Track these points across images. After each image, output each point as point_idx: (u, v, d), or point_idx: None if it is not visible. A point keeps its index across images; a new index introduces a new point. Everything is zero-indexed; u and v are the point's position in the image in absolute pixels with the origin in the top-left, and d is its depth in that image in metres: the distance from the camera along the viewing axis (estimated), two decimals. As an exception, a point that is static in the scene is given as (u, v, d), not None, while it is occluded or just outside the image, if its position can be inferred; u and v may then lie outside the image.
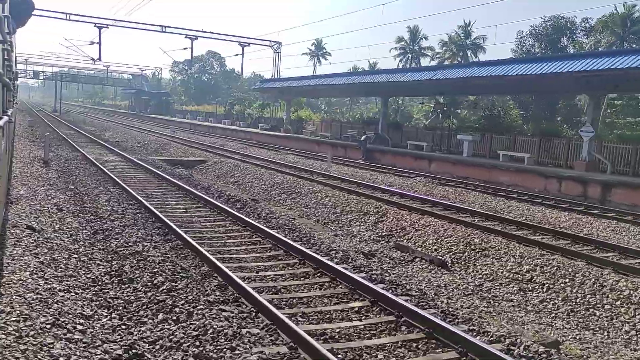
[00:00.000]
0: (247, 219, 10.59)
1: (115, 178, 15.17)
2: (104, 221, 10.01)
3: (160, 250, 8.06)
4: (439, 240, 10.75)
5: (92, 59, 39.40)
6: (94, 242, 8.75)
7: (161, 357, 4.82)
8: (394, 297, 6.44)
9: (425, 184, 19.22)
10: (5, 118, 8.20)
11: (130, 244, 8.36)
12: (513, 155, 22.87)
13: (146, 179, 16.39)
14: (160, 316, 5.68)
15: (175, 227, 9.43)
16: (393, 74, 27.58)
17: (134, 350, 4.81)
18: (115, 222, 9.78)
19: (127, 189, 13.42)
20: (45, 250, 7.69)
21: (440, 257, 9.98)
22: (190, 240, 8.60)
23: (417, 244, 10.89)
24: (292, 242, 8.76)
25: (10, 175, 14.17)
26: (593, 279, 8.18)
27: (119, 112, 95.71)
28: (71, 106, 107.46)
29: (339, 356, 4.99)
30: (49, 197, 11.92)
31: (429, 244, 10.75)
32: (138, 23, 40.19)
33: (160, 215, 10.24)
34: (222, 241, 9.24)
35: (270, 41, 45.07)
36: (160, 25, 41.23)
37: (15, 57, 19.05)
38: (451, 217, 12.50)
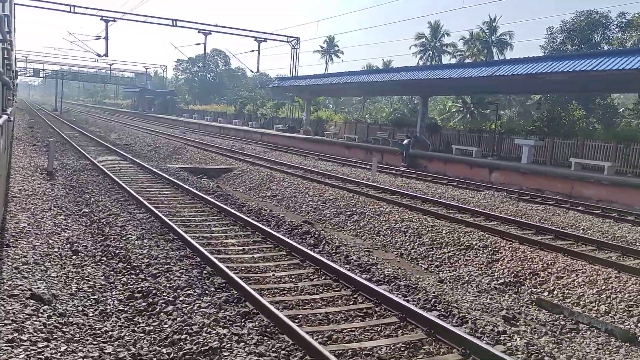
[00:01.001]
0: (337, 268, 7.58)
1: (139, 197, 12.16)
2: (142, 274, 7.00)
3: (247, 342, 5.04)
4: (603, 296, 7.75)
5: (98, 55, 36.37)
6: (134, 317, 5.76)
7: None
8: None
9: (502, 199, 16.23)
10: (5, 117, 7.74)
11: (193, 327, 5.34)
12: (588, 163, 19.87)
13: (175, 197, 13.37)
14: None
15: (248, 288, 6.43)
16: (440, 70, 24.61)
17: None
18: (159, 279, 6.76)
19: (158, 214, 10.42)
20: (63, 347, 4.71)
21: (622, 326, 7.00)
22: (281, 316, 5.62)
23: (569, 301, 7.90)
24: (439, 321, 5.74)
25: (7, 193, 11.21)
26: None
27: (121, 111, 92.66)
28: (71, 105, 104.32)
29: None
30: (59, 230, 8.94)
31: (588, 302, 7.75)
32: (148, 16, 37.16)
33: (221, 266, 7.22)
34: (322, 311, 6.22)
35: (287, 37, 42.02)
36: (171, 19, 38.21)
37: (15, 55, 17.09)
38: (602, 259, 9.45)
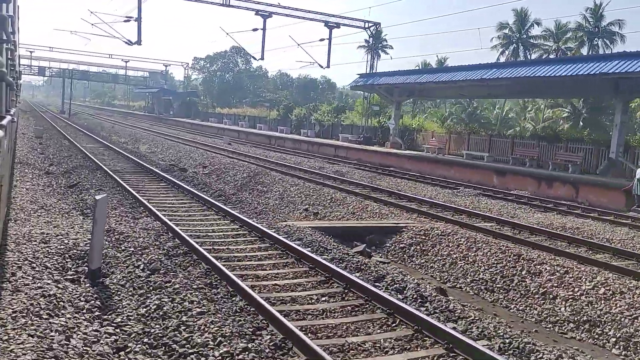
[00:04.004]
0: None
1: None
2: None
3: None
4: None
5: (129, 42, 27.47)
6: None
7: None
8: None
9: None
10: (9, 117, 7.80)
11: None
12: None
13: None
14: None
15: None
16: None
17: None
18: None
19: None
20: None
21: None
22: None
23: None
24: None
25: None
26: None
27: (134, 114, 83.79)
28: (78, 107, 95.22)
29: None
30: None
31: None
32: (193, -8, 28.21)
33: None
34: None
35: (364, 21, 32.89)
36: (222, -4, 29.19)
37: (19, 55, 15.65)
38: None
